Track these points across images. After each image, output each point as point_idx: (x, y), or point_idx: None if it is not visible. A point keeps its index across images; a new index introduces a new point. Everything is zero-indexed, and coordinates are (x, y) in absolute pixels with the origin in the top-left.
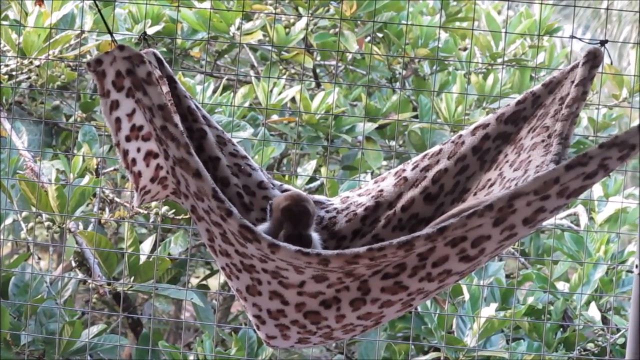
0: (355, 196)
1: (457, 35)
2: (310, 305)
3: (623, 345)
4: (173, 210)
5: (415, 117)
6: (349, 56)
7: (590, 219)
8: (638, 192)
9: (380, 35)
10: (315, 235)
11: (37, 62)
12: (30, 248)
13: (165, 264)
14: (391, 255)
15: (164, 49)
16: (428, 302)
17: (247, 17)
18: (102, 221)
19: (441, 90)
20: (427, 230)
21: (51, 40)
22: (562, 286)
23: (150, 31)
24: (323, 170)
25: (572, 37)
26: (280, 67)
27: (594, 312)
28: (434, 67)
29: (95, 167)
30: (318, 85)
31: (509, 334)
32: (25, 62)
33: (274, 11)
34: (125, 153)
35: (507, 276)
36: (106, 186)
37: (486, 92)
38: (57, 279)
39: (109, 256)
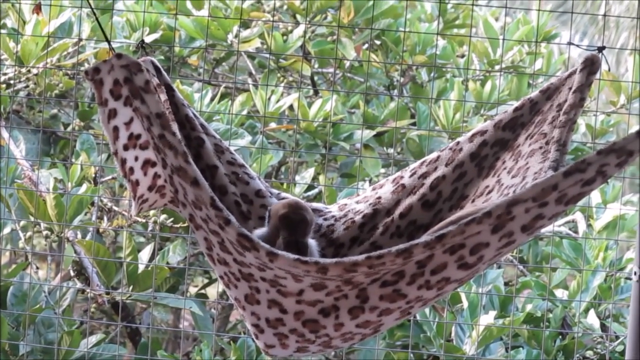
0: (353, 203)
1: (455, 42)
2: (309, 313)
3: (622, 353)
4: (171, 219)
5: (413, 124)
6: (347, 63)
7: (589, 225)
8: (636, 198)
9: (377, 42)
10: (312, 243)
11: (34, 71)
12: (28, 257)
13: (164, 272)
14: (390, 263)
15: (162, 57)
16: (427, 310)
17: (245, 25)
18: (101, 230)
19: (439, 97)
20: (426, 237)
21: (49, 49)
22: (560, 293)
23: (148, 39)
24: (321, 178)
25: (570, 43)
26: (278, 74)
27: (592, 319)
28: (432, 74)
29: (94, 175)
30: (316, 92)
31: (508, 341)
32: (23, 70)
33: (271, 19)
34: (123, 162)
35: (506, 284)
36: (104, 195)
37: (484, 99)
38: (55, 289)
39: (108, 265)
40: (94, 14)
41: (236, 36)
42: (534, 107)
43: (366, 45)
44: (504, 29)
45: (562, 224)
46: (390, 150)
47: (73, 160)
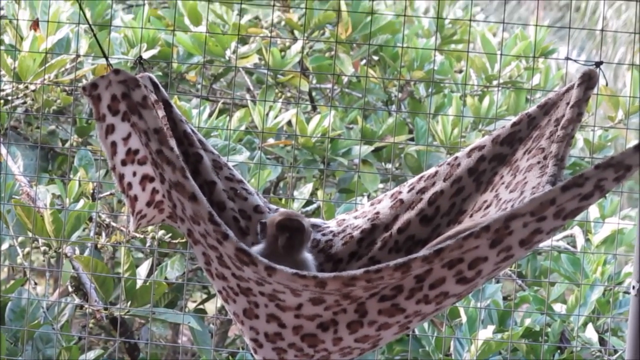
0: (351, 219)
1: (453, 57)
2: (307, 327)
3: None
4: (169, 235)
5: (412, 139)
6: (345, 79)
7: (587, 240)
8: (634, 213)
9: (375, 57)
10: (309, 257)
11: (32, 87)
12: (26, 273)
13: (162, 288)
14: (388, 277)
15: (160, 73)
16: (425, 325)
17: (243, 41)
18: (99, 246)
19: (437, 113)
20: (424, 252)
21: (47, 65)
22: (559, 308)
23: (146, 55)
24: (319, 193)
25: (568, 58)
26: (276, 90)
27: (591, 333)
28: (430, 90)
29: (92, 191)
30: (314, 108)
31: (507, 356)
32: (21, 86)
33: (269, 34)
34: (121, 177)
35: (505, 298)
36: (102, 210)
37: (482, 114)
38: (53, 304)
39: (106, 281)
40: (92, 30)
41: (234, 52)
42: (532, 122)
43: (364, 61)
44: (502, 44)
45: (560, 238)
46: (389, 166)
47: (71, 176)
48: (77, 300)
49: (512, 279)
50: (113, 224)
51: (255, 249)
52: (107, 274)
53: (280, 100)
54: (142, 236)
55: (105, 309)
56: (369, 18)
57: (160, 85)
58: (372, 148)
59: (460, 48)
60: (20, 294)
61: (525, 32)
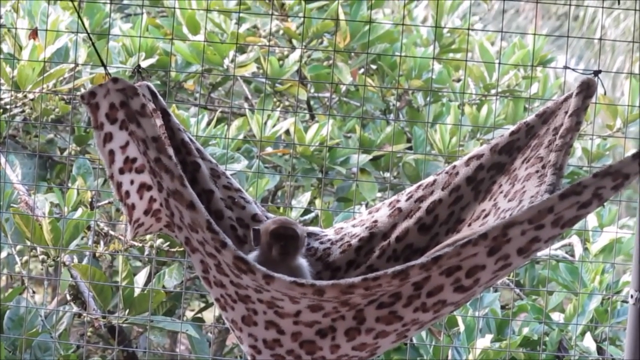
0: (349, 227)
1: (451, 66)
2: (306, 334)
3: None
4: (168, 243)
5: (410, 148)
6: (343, 88)
7: (585, 249)
8: (632, 222)
9: (374, 66)
10: (304, 263)
11: (31, 96)
12: (24, 281)
13: (160, 296)
14: (386, 285)
15: (158, 82)
16: (423, 333)
17: (241, 50)
18: (97, 254)
19: (435, 122)
20: (422, 259)
21: (45, 74)
22: (557, 317)
23: (144, 64)
24: (317, 202)
25: (566, 67)
26: (274, 99)
27: (589, 342)
28: (428, 99)
29: (90, 200)
30: (312, 117)
31: None
32: (20, 95)
33: (267, 43)
34: (118, 185)
35: (503, 307)
36: (100, 219)
37: (480, 123)
38: (51, 313)
39: (104, 289)
40: (90, 39)
41: (232, 61)
42: (530, 130)
43: (362, 70)
44: (500, 53)
45: (558, 247)
46: (387, 175)
47: (69, 184)
48: (75, 309)
49: (510, 287)
50: (111, 232)
51: (250, 257)
52: (106, 283)
53: (279, 109)
54: (140, 245)
55: (104, 317)
56: (367, 27)
57: (158, 94)
58: (370, 157)
59: (458, 57)
60: (18, 302)
61: (524, 41)
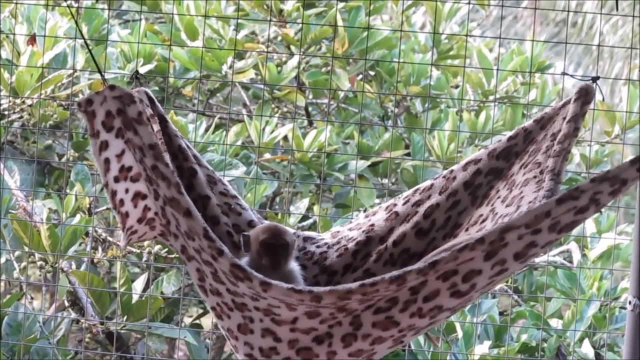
0: (346, 230)
1: (449, 72)
2: (303, 341)
3: None
4: (166, 249)
5: (408, 154)
6: (341, 94)
7: (583, 255)
8: (631, 228)
9: (372, 73)
10: (295, 268)
11: (29, 102)
12: (23, 287)
13: (158, 302)
14: (383, 290)
15: (156, 88)
16: (421, 340)
17: (239, 56)
18: (95, 260)
19: (433, 128)
20: (419, 264)
21: (43, 80)
22: (555, 323)
23: (142, 70)
24: (316, 208)
25: (564, 73)
26: (273, 105)
27: (587, 348)
28: (426, 105)
29: (88, 206)
30: (310, 123)
31: None
32: (18, 101)
33: (265, 49)
34: (113, 194)
35: (501, 313)
36: (99, 225)
37: (478, 130)
38: (50, 319)
39: (102, 295)
40: (87, 45)
41: (230, 67)
42: (528, 136)
43: (360, 76)
44: (498, 59)
45: (556, 253)
46: (385, 181)
47: (67, 190)
48: (73, 315)
49: (509, 294)
50: (109, 238)
51: (242, 262)
52: (104, 289)
53: (277, 115)
54: (138, 251)
55: (102, 323)
56: (365, 33)
57: (156, 100)
58: (368, 163)
59: (456, 63)
60: (16, 308)
61: (522, 47)
